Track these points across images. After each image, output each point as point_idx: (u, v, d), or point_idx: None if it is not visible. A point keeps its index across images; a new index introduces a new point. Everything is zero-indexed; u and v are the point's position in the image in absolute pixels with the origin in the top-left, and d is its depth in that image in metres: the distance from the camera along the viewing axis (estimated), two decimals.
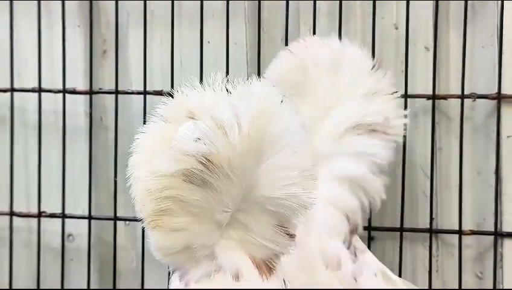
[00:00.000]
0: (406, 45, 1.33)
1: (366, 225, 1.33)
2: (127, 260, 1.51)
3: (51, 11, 1.48)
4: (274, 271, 0.91)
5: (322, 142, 1.10)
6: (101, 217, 1.47)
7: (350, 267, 1.08)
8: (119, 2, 1.42)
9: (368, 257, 1.12)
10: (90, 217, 1.45)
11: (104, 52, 1.50)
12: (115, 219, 1.44)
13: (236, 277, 0.89)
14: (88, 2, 1.44)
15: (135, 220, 1.40)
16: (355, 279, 1.07)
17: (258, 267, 0.90)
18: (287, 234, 0.90)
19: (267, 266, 0.91)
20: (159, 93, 1.39)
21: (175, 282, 0.92)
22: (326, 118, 1.11)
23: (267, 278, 0.90)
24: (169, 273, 0.95)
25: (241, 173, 0.86)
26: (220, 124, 0.83)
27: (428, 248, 1.35)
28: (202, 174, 0.84)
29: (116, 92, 1.42)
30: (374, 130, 1.09)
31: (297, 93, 1.10)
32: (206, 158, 0.83)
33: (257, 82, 0.89)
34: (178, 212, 0.86)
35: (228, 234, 0.90)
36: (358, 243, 1.14)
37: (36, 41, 1.45)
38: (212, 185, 0.85)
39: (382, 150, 1.10)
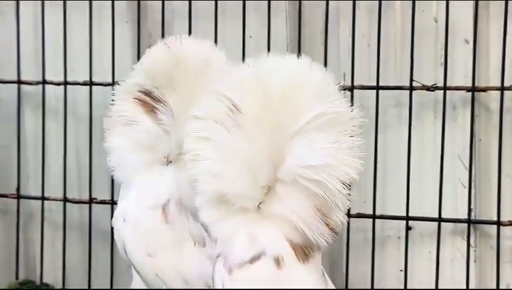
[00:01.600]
0: (445, 38, 1.34)
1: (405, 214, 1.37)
2: None
3: (101, 9, 1.55)
4: (311, 259, 0.94)
5: (186, 134, 1.18)
6: None
7: (211, 244, 1.19)
8: (166, 1, 1.49)
9: None
10: None
11: (150, 47, 1.57)
12: None
13: (278, 264, 0.93)
14: (136, 1, 1.51)
15: None
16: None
17: (296, 253, 0.93)
18: (327, 225, 0.92)
19: (304, 253, 0.94)
20: None
21: (219, 267, 0.96)
22: (191, 107, 1.15)
23: (304, 266, 0.94)
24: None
25: (274, 133, 0.91)
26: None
27: (466, 239, 1.37)
28: (233, 118, 0.92)
29: None
30: None
31: (167, 84, 1.21)
32: (234, 105, 0.93)
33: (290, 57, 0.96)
34: (211, 155, 0.95)
35: (268, 209, 0.93)
36: None
37: (87, 38, 1.53)
38: (243, 132, 0.92)
39: None
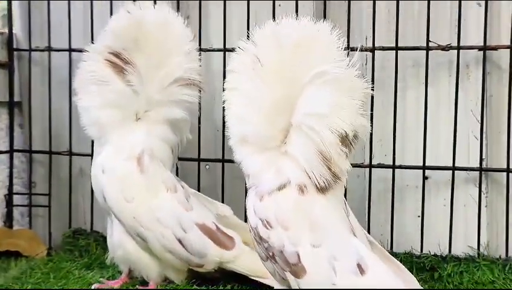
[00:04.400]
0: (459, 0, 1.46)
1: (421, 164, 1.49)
2: None
3: None
4: (331, 190, 1.08)
5: (154, 90, 1.40)
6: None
7: (182, 190, 1.42)
8: None
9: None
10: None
11: (188, 17, 1.71)
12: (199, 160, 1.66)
13: (302, 191, 1.09)
14: None
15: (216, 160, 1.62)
16: (187, 200, 1.41)
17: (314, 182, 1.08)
18: (329, 168, 1.06)
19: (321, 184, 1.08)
20: None
21: (251, 196, 1.13)
22: (157, 69, 1.39)
23: (324, 195, 1.08)
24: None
25: (288, 84, 1.07)
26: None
27: (478, 186, 1.49)
28: (256, 70, 1.09)
29: (200, 50, 1.62)
30: (189, 84, 1.41)
31: (134, 46, 1.37)
32: (257, 58, 1.10)
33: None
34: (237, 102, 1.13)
35: (286, 148, 1.09)
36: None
37: None
38: (263, 82, 1.09)
39: (194, 98, 1.42)
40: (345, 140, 1.07)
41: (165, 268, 1.42)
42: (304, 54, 1.08)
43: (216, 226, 1.42)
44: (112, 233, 1.44)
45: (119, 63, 1.39)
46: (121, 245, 1.41)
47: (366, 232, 1.16)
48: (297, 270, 1.06)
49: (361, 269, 1.05)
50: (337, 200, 1.11)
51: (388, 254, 1.15)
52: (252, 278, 1.40)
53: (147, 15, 1.41)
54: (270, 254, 1.09)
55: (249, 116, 1.12)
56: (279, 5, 1.61)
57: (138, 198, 1.38)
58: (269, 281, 1.30)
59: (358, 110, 1.07)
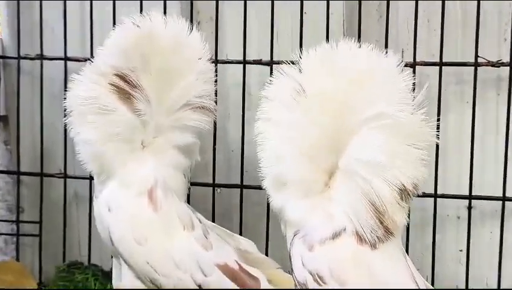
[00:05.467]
0: None
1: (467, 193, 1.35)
2: None
3: None
4: (391, 237, 0.92)
5: (162, 116, 1.20)
6: None
7: (199, 225, 1.21)
8: None
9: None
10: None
11: (199, 23, 1.53)
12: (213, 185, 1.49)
13: (360, 240, 0.92)
14: None
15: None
16: (206, 236, 1.21)
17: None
18: (381, 222, 0.90)
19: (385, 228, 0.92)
20: (258, 62, 1.43)
21: (297, 245, 0.95)
22: (167, 92, 1.20)
23: (384, 243, 0.92)
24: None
25: (339, 118, 0.90)
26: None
27: None
28: (298, 101, 0.93)
29: (216, 62, 1.44)
30: (201, 108, 1.22)
31: (142, 65, 1.16)
32: (301, 87, 0.94)
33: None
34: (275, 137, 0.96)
35: (332, 193, 0.93)
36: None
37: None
38: (307, 115, 0.92)
39: (205, 124, 1.23)
40: (403, 193, 0.91)
41: None
42: (362, 87, 0.92)
43: (239, 265, 1.24)
44: (119, 277, 1.25)
45: (125, 87, 1.17)
46: None
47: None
48: None
49: None
50: (397, 248, 0.95)
51: None
52: None
53: (157, 28, 1.19)
54: None
55: (288, 154, 0.95)
56: (305, 13, 1.44)
57: (152, 240, 1.18)
58: None
59: (422, 161, 0.90)
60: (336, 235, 0.92)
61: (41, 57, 1.55)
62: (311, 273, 0.92)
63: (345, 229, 0.92)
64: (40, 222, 1.58)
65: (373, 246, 0.91)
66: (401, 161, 0.89)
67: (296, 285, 0.95)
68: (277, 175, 0.96)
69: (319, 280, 0.92)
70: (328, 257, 0.92)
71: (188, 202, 1.39)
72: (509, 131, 1.33)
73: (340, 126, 0.93)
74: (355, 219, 0.91)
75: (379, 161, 0.89)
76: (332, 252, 0.92)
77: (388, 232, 0.92)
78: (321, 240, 0.93)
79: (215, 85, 1.24)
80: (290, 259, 0.96)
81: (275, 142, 0.96)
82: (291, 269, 0.96)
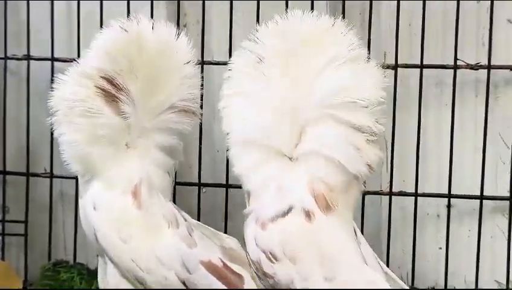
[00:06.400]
0: (490, 17, 1.36)
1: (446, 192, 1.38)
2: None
3: None
4: (336, 212, 0.94)
5: (146, 118, 1.21)
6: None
7: (184, 223, 1.22)
8: None
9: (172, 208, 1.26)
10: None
11: (185, 25, 1.55)
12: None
13: (308, 217, 0.93)
14: None
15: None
16: (190, 234, 1.21)
17: (319, 204, 0.94)
18: (360, 156, 0.92)
19: (327, 205, 0.94)
20: None
21: (251, 225, 0.97)
22: (152, 95, 1.21)
23: (328, 217, 0.93)
24: None
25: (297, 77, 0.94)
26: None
27: (508, 216, 1.39)
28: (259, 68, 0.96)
29: (202, 63, 1.46)
30: (185, 111, 1.23)
31: (129, 69, 1.18)
32: (259, 57, 0.97)
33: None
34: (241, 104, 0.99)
35: (300, 152, 0.95)
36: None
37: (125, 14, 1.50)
38: (268, 81, 0.96)
39: (190, 127, 1.25)
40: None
41: None
42: (315, 48, 0.96)
43: (223, 262, 1.27)
44: (104, 276, 1.26)
45: (111, 90, 1.17)
46: None
47: (382, 263, 1.02)
48: None
49: None
50: (344, 221, 0.96)
51: (406, 286, 1.01)
52: None
53: (145, 32, 1.20)
54: None
55: (255, 116, 0.97)
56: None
57: (136, 237, 1.20)
58: None
59: (381, 85, 0.95)
60: (286, 213, 0.94)
61: (28, 57, 1.56)
62: (264, 252, 0.94)
63: (294, 206, 0.94)
64: (26, 222, 1.58)
65: (322, 220, 0.93)
66: (364, 84, 0.94)
67: (250, 265, 0.98)
68: (243, 137, 0.98)
69: (271, 258, 0.94)
70: (280, 233, 0.94)
71: (174, 201, 1.41)
72: (487, 132, 1.38)
73: (301, 84, 0.96)
74: (338, 155, 0.93)
75: (344, 84, 0.93)
76: (283, 228, 0.94)
77: (370, 167, 0.94)
78: (273, 217, 0.94)
79: (201, 88, 1.26)
80: (245, 241, 0.98)
81: (239, 108, 0.99)
82: (246, 251, 0.98)
